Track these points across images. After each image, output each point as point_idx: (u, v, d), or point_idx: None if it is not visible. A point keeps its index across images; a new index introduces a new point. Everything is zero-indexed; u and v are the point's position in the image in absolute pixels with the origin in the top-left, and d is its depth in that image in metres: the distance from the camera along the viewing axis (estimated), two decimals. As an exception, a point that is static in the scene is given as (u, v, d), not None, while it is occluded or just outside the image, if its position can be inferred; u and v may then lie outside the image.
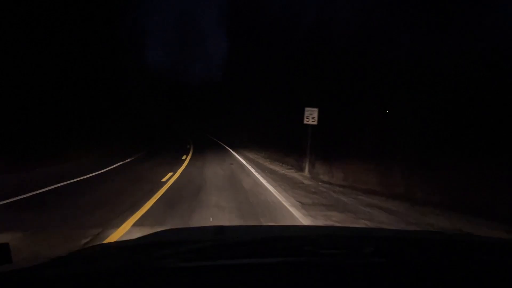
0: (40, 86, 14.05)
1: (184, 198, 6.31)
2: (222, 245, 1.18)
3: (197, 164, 12.12)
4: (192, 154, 16.14)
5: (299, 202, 6.27)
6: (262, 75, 23.30)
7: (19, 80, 12.87)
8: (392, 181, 9.61)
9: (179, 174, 9.65)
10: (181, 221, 4.75)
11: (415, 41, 12.46)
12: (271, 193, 7.18)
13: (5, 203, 5.62)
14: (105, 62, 20.97)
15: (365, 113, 13.22)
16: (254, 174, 10.07)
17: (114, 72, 23.64)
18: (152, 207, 5.59)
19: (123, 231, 4.27)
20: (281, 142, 17.00)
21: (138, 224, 4.58)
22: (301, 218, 5.12)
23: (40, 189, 6.88)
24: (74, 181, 8.10)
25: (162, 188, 7.26)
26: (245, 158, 15.47)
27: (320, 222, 4.86)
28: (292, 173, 10.80)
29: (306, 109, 10.85)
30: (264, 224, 4.68)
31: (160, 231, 1.60)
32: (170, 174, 9.51)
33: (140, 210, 5.34)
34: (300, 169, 11.53)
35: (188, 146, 21.38)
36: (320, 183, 8.93)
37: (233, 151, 19.00)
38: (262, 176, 9.63)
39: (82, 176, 8.83)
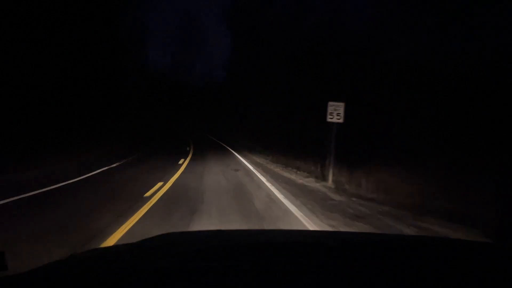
0: (40, 86, 13.63)
1: (168, 231, 4.04)
2: (221, 248, 1.15)
3: (195, 171, 9.86)
4: (191, 157, 13.85)
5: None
6: (267, 73, 21.03)
7: (19, 80, 12.48)
8: (433, 189, 7.49)
9: (170, 184, 7.36)
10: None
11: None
12: (296, 218, 4.81)
13: None
14: (105, 62, 20.48)
15: (389, 110, 10.98)
16: (266, 185, 7.72)
17: (114, 72, 23.34)
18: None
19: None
20: (288, 144, 14.70)
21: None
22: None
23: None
24: (18, 199, 5.70)
25: (139, 211, 4.93)
26: (251, 162, 13.15)
27: None
28: (313, 183, 8.50)
29: (330, 104, 8.56)
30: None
31: (159, 235, 1.47)
32: (159, 184, 7.25)
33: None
34: (320, 176, 9.25)
35: (188, 148, 18.82)
36: (354, 199, 6.63)
37: (237, 153, 16.52)
38: (277, 188, 7.30)
39: (41, 188, 6.49)
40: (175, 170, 9.86)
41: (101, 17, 19.79)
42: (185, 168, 10.44)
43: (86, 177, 8.31)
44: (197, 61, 62.98)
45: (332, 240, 1.37)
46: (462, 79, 9.12)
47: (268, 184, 7.87)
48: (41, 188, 6.58)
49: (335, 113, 8.48)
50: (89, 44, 17.80)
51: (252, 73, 24.71)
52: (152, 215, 4.83)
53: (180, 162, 12.09)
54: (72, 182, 7.54)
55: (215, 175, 9.00)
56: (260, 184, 7.94)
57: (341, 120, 8.48)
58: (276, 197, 6.42)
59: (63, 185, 7.20)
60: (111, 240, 3.74)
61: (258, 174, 9.63)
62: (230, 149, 19.48)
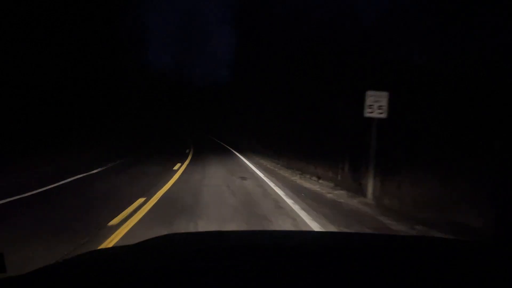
0: (40, 86, 13.34)
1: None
2: (221, 248, 1.14)
3: (193, 179, 7.65)
4: (190, 162, 11.61)
5: None
6: (272, 72, 18.89)
7: (19, 80, 12.21)
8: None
9: (154, 203, 5.09)
10: None
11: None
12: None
13: None
14: (105, 62, 20.20)
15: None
16: (287, 203, 5.39)
17: (114, 72, 22.97)
18: None
19: None
20: (297, 146, 12.79)
21: None
22: None
23: None
24: None
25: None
26: (260, 167, 10.91)
27: None
28: (346, 198, 6.25)
29: (369, 94, 6.34)
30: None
31: (159, 236, 1.35)
32: (137, 203, 4.99)
33: None
34: (349, 188, 7.05)
35: (187, 151, 16.36)
36: (415, 226, 4.47)
37: (243, 157, 14.18)
38: (304, 209, 4.96)
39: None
40: (167, 178, 7.66)
41: (101, 17, 19.46)
42: (181, 176, 8.27)
43: (44, 190, 6.09)
44: (198, 61, 61.77)
45: (333, 241, 1.37)
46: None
47: (290, 202, 5.62)
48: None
49: (376, 105, 6.30)
50: (89, 44, 17.48)
51: (256, 72, 22.44)
52: None
53: (176, 167, 9.82)
54: (15, 200, 5.36)
55: (217, 187, 6.80)
56: (278, 201, 5.70)
57: (383, 115, 6.28)
58: (308, 226, 4.23)
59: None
60: None
61: (272, 185, 7.44)
62: (233, 151, 17.12)
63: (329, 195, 6.57)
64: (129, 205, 4.91)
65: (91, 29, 17.86)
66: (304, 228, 4.11)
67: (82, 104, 17.29)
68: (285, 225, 4.19)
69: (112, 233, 3.65)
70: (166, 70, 49.10)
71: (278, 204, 5.48)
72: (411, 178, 6.68)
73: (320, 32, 14.56)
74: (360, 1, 13.64)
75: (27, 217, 4.42)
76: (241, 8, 27.19)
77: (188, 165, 10.80)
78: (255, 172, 9.58)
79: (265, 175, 8.95)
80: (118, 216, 4.32)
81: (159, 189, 6.28)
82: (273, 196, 6.14)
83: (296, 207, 5.21)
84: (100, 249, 1.67)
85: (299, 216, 4.68)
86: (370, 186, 6.29)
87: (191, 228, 3.90)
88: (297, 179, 8.80)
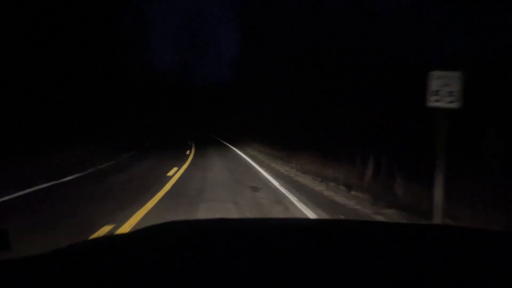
0: (40, 86, 13.09)
1: None
2: (225, 234, 1.12)
3: (189, 192, 5.98)
4: (189, 165, 10.22)
5: None
6: (279, 69, 17.75)
7: (19, 80, 12.05)
8: None
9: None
10: None
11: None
12: None
13: None
14: (105, 62, 19.80)
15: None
16: None
17: (114, 72, 22.41)
18: None
19: None
20: (306, 146, 11.43)
21: None
22: None
23: None
24: None
25: None
26: (272, 172, 9.33)
27: None
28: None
29: (434, 74, 4.53)
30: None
31: (162, 223, 1.28)
32: (104, 230, 3.49)
33: None
34: (398, 204, 5.22)
35: (188, 152, 14.78)
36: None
37: (251, 159, 12.52)
38: None
39: None
40: (158, 188, 6.50)
41: (101, 17, 18.98)
42: (174, 184, 6.63)
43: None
44: (200, 61, 60.78)
45: (337, 229, 1.31)
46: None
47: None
48: None
49: (445, 91, 4.45)
50: (89, 44, 17.09)
51: (262, 68, 21.22)
52: None
53: (170, 173, 8.48)
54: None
55: (220, 205, 5.01)
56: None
57: (455, 104, 4.42)
58: None
59: None
60: None
61: (294, 200, 5.67)
62: (240, 153, 15.44)
63: (378, 218, 4.69)
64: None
65: (91, 29, 17.42)
66: None
67: (82, 104, 16.86)
68: None
69: None
70: (167, 70, 48.55)
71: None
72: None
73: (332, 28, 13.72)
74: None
75: None
76: (243, 8, 26.49)
77: (186, 169, 9.50)
78: (268, 180, 8.04)
79: (281, 184, 7.43)
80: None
81: (139, 209, 4.52)
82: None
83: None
84: (95, 238, 1.47)
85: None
86: (439, 208, 4.43)
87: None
88: (322, 189, 7.01)
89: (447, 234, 1.22)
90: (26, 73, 12.37)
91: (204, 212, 4.54)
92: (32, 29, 12.77)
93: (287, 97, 15.75)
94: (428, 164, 4.99)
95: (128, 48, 27.33)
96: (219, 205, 5.12)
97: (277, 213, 4.75)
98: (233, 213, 4.60)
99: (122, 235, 1.20)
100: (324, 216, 4.85)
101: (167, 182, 7.08)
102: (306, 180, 8.20)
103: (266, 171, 9.48)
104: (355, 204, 5.59)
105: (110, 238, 1.30)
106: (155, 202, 5.20)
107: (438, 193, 4.50)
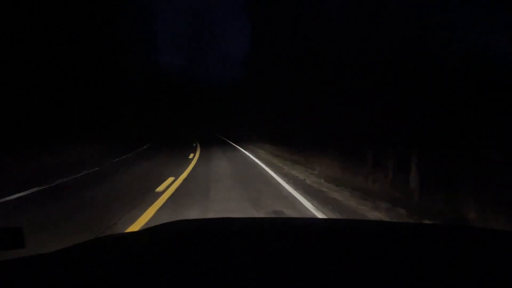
0: (39, 86, 13.22)
1: None
2: (226, 233, 1.13)
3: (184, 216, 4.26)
4: (190, 173, 8.52)
5: None
6: (293, 65, 15.93)
7: (19, 80, 12.13)
8: None
9: None
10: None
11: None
12: None
13: None
14: (105, 62, 20.14)
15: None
16: None
17: (114, 72, 22.74)
18: None
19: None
20: (324, 148, 9.98)
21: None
22: None
23: None
24: None
25: None
26: (297, 185, 7.25)
27: None
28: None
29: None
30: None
31: (167, 223, 1.34)
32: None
33: None
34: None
35: (191, 156, 13.06)
36: None
37: (266, 165, 10.40)
38: None
39: None
40: (135, 214, 4.62)
41: (101, 17, 19.45)
42: (158, 214, 4.70)
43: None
44: (205, 59, 60.44)
45: (337, 229, 1.32)
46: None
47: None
48: None
49: None
50: (89, 44, 17.33)
51: (276, 63, 19.47)
52: None
53: (160, 188, 6.57)
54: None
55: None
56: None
57: None
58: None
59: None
60: None
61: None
62: (249, 155, 13.82)
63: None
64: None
65: (91, 29, 17.63)
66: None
67: (82, 104, 16.94)
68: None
69: None
70: (171, 69, 48.21)
71: None
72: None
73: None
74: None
75: None
76: (254, 2, 26.05)
77: (184, 180, 7.61)
78: (295, 198, 5.98)
79: (315, 206, 5.35)
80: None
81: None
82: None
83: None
84: (105, 236, 1.36)
85: None
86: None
87: None
88: (366, 208, 5.43)
89: (446, 234, 1.23)
90: (26, 73, 12.45)
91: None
92: (32, 29, 12.90)
93: (299, 96, 14.55)
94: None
95: (131, 47, 27.67)
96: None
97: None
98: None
99: (127, 234, 1.21)
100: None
101: (151, 204, 5.17)
102: (343, 196, 6.20)
103: (288, 182, 7.50)
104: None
105: (114, 237, 1.34)
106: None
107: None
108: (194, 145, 19.58)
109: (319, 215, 4.86)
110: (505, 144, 4.51)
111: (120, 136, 22.25)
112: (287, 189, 6.84)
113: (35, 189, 6.48)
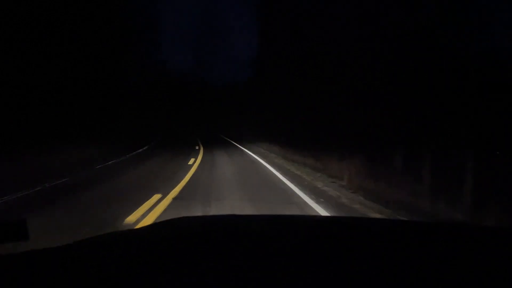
0: (39, 86, 13.20)
1: None
2: (227, 233, 1.13)
3: None
4: (186, 186, 6.99)
5: None
6: (305, 61, 14.94)
7: (19, 80, 12.12)
8: None
9: None
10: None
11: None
12: None
13: None
14: (105, 62, 20.05)
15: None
16: None
17: (114, 72, 22.81)
18: None
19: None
20: (340, 150, 8.80)
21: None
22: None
23: None
24: None
25: None
26: (328, 203, 5.66)
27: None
28: None
29: None
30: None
31: (170, 220, 1.33)
32: None
33: None
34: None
35: (191, 162, 11.42)
36: None
37: (282, 175, 8.91)
38: None
39: None
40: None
41: (101, 17, 19.35)
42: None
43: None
44: (212, 59, 60.22)
45: (337, 227, 1.32)
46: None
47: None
48: None
49: None
50: (89, 44, 17.26)
51: (285, 61, 18.73)
52: None
53: (138, 212, 4.90)
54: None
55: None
56: None
57: None
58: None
59: None
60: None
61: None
62: (259, 160, 12.68)
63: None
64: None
65: (91, 29, 17.56)
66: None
67: (82, 104, 16.91)
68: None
69: None
70: (170, 70, 48.19)
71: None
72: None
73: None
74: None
75: None
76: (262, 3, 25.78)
77: (174, 199, 5.74)
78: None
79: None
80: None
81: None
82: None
83: None
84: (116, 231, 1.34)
85: None
86: None
87: None
88: None
89: (446, 232, 1.22)
90: (26, 73, 12.43)
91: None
92: (32, 29, 12.87)
93: (308, 96, 13.90)
94: None
95: (132, 47, 27.60)
96: None
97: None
98: None
99: (128, 231, 1.19)
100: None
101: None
102: (373, 212, 5.18)
103: (315, 200, 5.80)
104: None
105: (115, 234, 1.34)
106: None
107: None
108: (197, 148, 18.46)
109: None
110: None
111: (120, 136, 22.23)
112: (316, 209, 5.17)
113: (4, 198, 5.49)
